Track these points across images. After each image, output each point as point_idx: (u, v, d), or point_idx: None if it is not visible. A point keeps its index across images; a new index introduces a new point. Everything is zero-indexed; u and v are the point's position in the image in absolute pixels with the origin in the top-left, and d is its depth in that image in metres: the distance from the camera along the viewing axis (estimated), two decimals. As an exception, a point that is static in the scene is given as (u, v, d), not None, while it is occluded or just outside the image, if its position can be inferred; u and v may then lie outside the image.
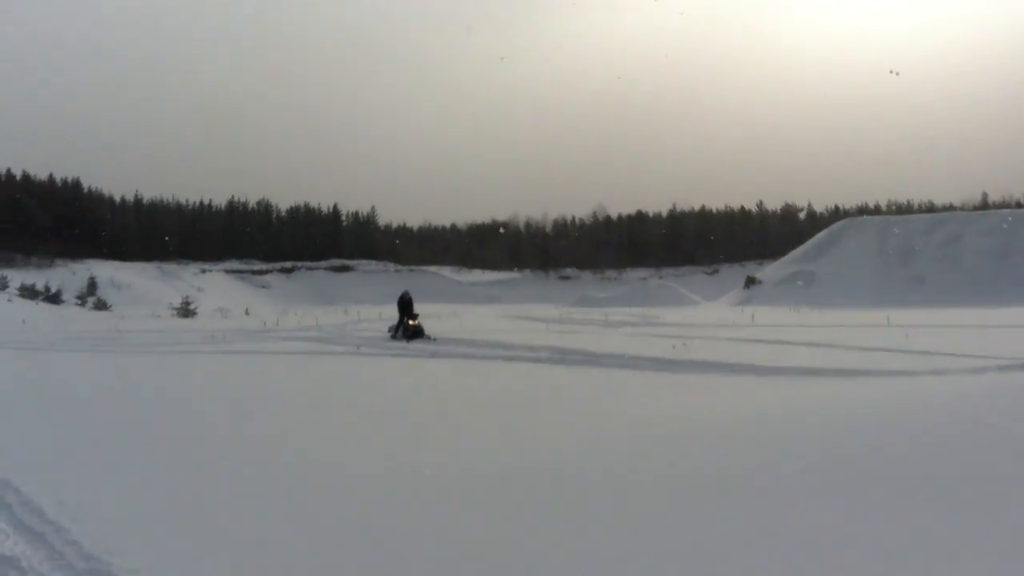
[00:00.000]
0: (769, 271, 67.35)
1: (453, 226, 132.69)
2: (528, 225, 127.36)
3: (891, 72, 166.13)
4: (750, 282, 64.16)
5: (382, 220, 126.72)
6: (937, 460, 6.29)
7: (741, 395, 10.72)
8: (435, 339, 22.41)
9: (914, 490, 5.50)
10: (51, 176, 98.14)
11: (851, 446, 6.90)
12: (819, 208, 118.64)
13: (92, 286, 68.68)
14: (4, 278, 60.20)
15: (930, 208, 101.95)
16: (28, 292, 59.22)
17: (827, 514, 5.08)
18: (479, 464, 6.90)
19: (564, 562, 4.45)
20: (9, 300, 54.50)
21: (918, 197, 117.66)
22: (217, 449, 7.90)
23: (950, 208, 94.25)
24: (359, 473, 6.71)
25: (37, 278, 64.98)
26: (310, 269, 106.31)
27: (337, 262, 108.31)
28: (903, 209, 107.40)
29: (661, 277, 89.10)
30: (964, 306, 39.86)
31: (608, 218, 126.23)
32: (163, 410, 10.84)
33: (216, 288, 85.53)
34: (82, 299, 63.31)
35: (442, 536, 4.94)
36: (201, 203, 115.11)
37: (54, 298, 60.73)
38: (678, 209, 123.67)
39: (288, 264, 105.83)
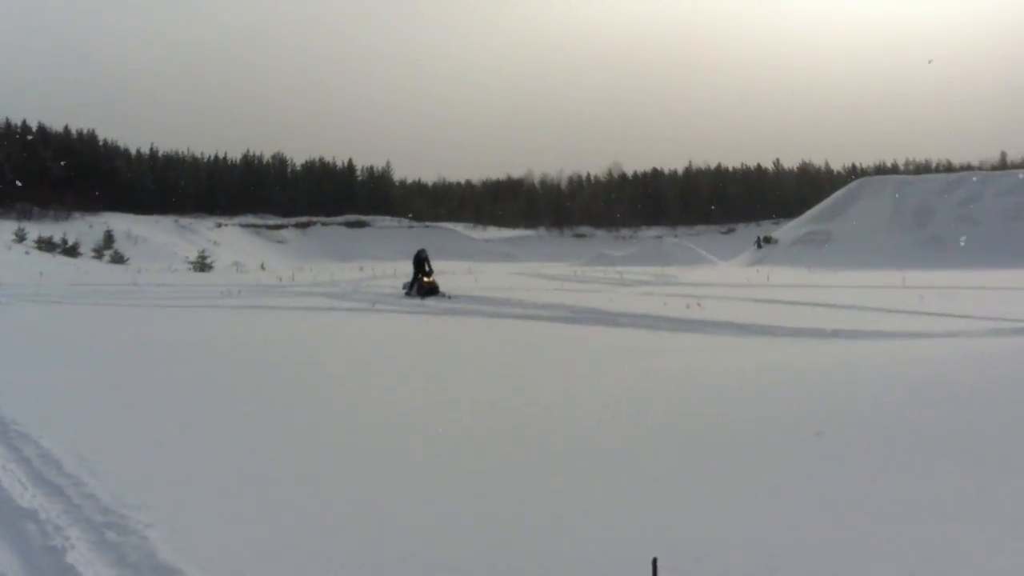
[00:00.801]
0: (785, 230, 66.92)
1: (468, 182, 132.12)
2: (543, 182, 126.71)
3: (928, 62, 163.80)
4: (764, 241, 63.77)
5: (397, 175, 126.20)
6: (952, 422, 6.28)
7: (755, 356, 10.71)
8: (450, 296, 22.44)
9: (929, 452, 5.50)
10: (67, 128, 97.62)
11: (867, 408, 6.89)
12: (836, 167, 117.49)
13: (109, 239, 68.81)
14: (22, 230, 60.55)
15: (948, 168, 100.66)
16: (45, 245, 59.52)
17: (841, 475, 5.08)
18: (486, 421, 6.95)
19: (564, 512, 4.47)
20: (27, 252, 54.83)
21: (936, 156, 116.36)
22: (235, 404, 7.97)
23: (968, 168, 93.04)
24: (378, 431, 6.77)
25: (54, 230, 65.20)
26: (325, 225, 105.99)
27: (352, 217, 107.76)
28: (921, 168, 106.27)
29: (676, 236, 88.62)
30: (981, 267, 39.55)
31: (623, 175, 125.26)
32: (181, 365, 10.92)
33: (232, 242, 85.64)
34: (99, 252, 63.54)
35: (459, 486, 4.98)
36: (216, 156, 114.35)
37: (71, 251, 61.05)
38: (694, 167, 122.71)
39: (303, 219, 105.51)
